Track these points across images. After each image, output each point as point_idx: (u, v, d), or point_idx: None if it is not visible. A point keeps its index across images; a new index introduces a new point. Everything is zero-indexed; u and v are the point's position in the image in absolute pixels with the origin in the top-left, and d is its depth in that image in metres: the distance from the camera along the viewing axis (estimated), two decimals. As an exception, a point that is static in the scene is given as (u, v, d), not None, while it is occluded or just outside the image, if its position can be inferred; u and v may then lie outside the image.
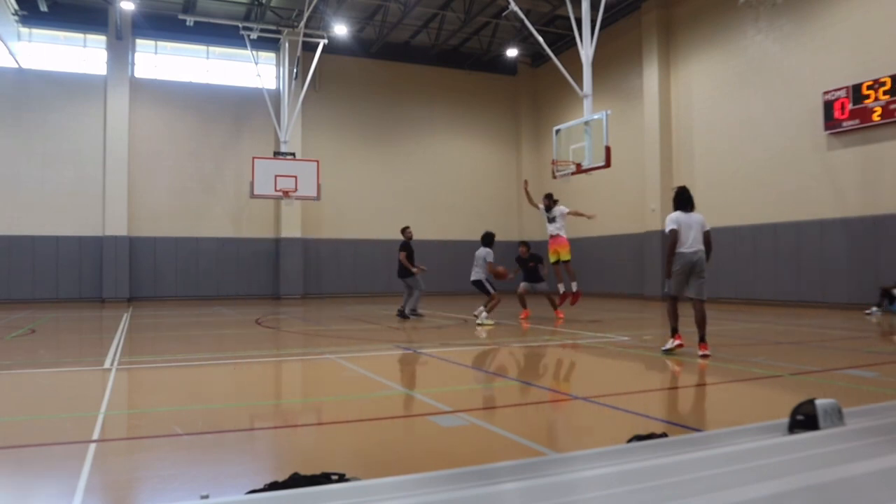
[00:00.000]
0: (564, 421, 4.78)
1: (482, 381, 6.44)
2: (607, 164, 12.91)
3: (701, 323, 7.57)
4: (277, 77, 23.09)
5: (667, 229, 7.70)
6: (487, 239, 13.19)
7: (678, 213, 7.70)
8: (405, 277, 13.82)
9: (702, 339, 7.52)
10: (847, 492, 1.07)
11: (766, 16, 16.27)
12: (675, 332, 7.76)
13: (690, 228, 7.59)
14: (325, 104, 23.36)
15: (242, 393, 6.12)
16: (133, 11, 20.29)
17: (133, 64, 21.52)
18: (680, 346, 7.72)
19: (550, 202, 13.24)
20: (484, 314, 12.20)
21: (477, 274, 13.07)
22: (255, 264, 22.45)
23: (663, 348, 7.79)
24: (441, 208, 24.84)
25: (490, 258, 12.95)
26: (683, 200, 7.85)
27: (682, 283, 7.64)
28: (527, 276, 13.98)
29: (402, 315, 13.53)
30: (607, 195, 21.36)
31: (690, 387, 6.05)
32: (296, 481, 1.39)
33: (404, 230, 14.31)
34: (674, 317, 7.81)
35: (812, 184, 15.42)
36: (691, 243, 7.53)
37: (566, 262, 13.06)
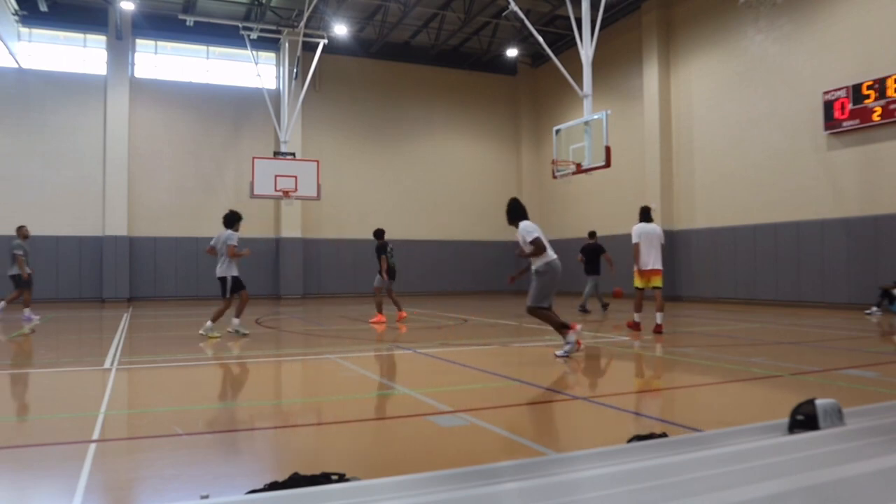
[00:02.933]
0: (564, 421, 4.78)
1: (482, 381, 6.44)
2: (607, 164, 12.92)
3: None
4: (277, 77, 23.09)
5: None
6: (230, 219, 10.54)
7: (530, 222, 7.64)
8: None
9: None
10: (847, 492, 1.07)
11: (766, 16, 16.26)
12: (566, 326, 7.46)
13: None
14: (325, 104, 23.36)
15: (242, 393, 6.12)
16: (133, 11, 20.29)
17: (133, 64, 21.51)
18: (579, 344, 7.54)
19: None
20: (209, 324, 9.90)
21: (222, 268, 10.26)
22: (255, 264, 22.43)
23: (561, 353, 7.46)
24: (441, 208, 24.85)
25: (233, 241, 10.20)
26: (521, 209, 7.77)
27: (551, 292, 7.52)
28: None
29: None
30: (607, 195, 21.36)
31: (690, 387, 6.05)
32: (296, 481, 1.39)
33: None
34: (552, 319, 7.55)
35: (812, 184, 15.42)
36: (551, 250, 7.52)
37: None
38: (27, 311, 13.69)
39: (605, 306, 14.93)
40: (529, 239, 7.36)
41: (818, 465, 1.16)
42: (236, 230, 10.27)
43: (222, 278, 10.11)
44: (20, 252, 13.41)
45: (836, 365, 6.83)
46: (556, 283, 7.45)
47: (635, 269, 10.30)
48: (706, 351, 8.13)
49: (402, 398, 5.52)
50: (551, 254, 7.44)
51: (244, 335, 10.07)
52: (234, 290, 10.21)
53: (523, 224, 7.55)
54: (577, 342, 7.44)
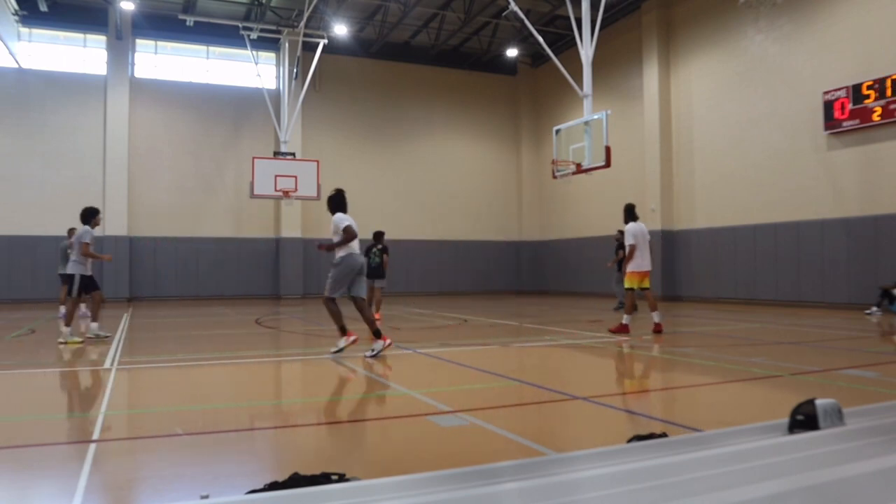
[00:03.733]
0: (564, 421, 4.78)
1: (482, 381, 6.44)
2: (607, 164, 12.92)
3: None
4: (277, 77, 23.09)
5: None
6: (86, 214, 9.71)
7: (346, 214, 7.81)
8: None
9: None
10: (847, 492, 1.07)
11: (766, 16, 16.27)
12: (344, 331, 7.79)
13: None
14: (325, 104, 23.37)
15: (242, 393, 6.13)
16: (133, 11, 20.30)
17: (133, 64, 21.52)
18: (355, 341, 7.85)
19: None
20: (65, 329, 9.19)
21: (71, 266, 9.53)
22: (255, 264, 22.45)
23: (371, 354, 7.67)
24: (441, 208, 24.85)
25: (86, 239, 9.41)
26: (341, 202, 7.92)
27: (344, 284, 7.73)
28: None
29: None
30: (607, 195, 21.37)
31: (690, 387, 6.05)
32: (296, 481, 1.39)
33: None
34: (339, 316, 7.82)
35: (812, 184, 15.42)
36: (357, 246, 7.74)
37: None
38: (63, 310, 13.87)
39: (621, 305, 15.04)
40: (342, 227, 7.61)
41: (818, 465, 1.16)
42: (92, 227, 9.65)
43: (69, 275, 9.51)
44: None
45: (836, 365, 6.83)
46: (351, 276, 7.67)
47: (628, 270, 10.13)
48: (706, 351, 8.13)
49: (402, 398, 5.52)
50: (355, 250, 7.70)
51: (105, 337, 9.54)
52: (86, 290, 9.56)
53: (340, 215, 7.79)
54: (353, 341, 7.79)
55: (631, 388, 6.30)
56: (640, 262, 10.10)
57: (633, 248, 10.10)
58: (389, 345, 7.74)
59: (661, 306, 16.85)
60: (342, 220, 7.66)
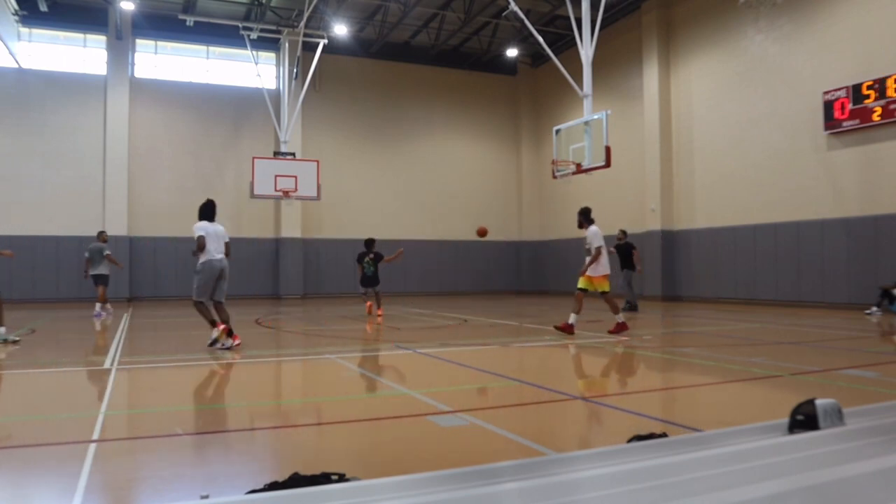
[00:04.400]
0: (564, 421, 4.78)
1: (482, 381, 6.44)
2: (607, 164, 12.91)
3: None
4: (277, 77, 23.09)
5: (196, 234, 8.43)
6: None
7: (205, 223, 8.52)
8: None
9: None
10: (847, 492, 1.07)
11: (766, 16, 16.27)
12: (214, 324, 8.48)
13: (217, 238, 8.51)
14: (325, 104, 23.37)
15: (242, 393, 6.12)
16: (133, 11, 20.29)
17: (133, 64, 21.51)
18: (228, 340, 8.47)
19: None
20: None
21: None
22: (255, 264, 22.45)
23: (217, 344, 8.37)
24: (441, 208, 24.85)
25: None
26: (205, 211, 8.64)
27: (209, 288, 8.51)
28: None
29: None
30: (607, 195, 21.36)
31: (690, 387, 6.05)
32: (296, 481, 1.39)
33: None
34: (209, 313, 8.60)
35: (812, 184, 15.42)
36: (216, 250, 8.44)
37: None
38: (99, 307, 14.72)
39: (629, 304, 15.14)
40: (195, 236, 8.35)
41: (818, 465, 1.16)
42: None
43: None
44: (88, 254, 14.69)
45: (836, 365, 6.83)
46: (212, 280, 8.45)
47: (598, 274, 9.83)
48: (706, 351, 8.13)
49: (402, 398, 5.52)
50: (213, 255, 8.39)
51: (15, 342, 9.26)
52: None
53: (196, 224, 8.53)
54: (235, 338, 8.45)
55: (631, 388, 6.30)
56: (606, 265, 9.91)
57: (599, 250, 9.87)
58: (238, 345, 8.40)
59: (662, 306, 16.90)
60: (195, 229, 8.43)
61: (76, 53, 21.01)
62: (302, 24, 19.89)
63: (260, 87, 21.40)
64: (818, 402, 1.39)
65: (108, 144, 20.66)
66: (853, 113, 14.27)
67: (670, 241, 19.28)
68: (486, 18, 21.87)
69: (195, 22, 20.89)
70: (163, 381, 6.65)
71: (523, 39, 22.90)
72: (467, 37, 23.93)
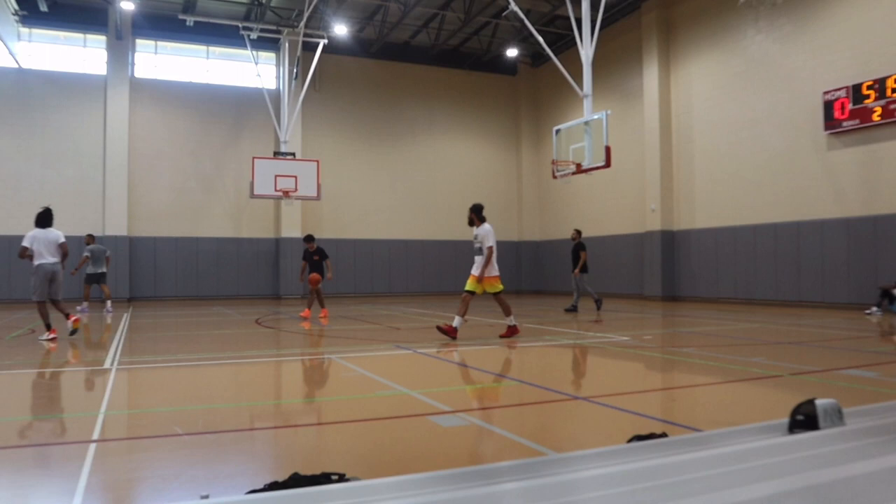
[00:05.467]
0: (564, 421, 4.78)
1: (482, 381, 6.44)
2: (607, 164, 12.92)
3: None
4: (277, 77, 23.09)
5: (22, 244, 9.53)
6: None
7: (35, 231, 9.44)
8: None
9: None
10: (847, 492, 1.07)
11: (766, 16, 16.27)
12: (49, 327, 9.38)
13: (48, 243, 9.44)
14: (325, 104, 23.37)
15: (242, 393, 6.12)
16: (133, 11, 20.30)
17: (133, 64, 21.52)
18: (55, 339, 9.31)
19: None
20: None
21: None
22: (255, 264, 22.45)
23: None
24: (441, 208, 24.85)
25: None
26: (39, 219, 9.57)
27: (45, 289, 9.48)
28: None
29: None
30: (607, 195, 21.36)
31: (690, 387, 6.05)
32: (296, 481, 1.39)
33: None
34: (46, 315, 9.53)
35: (812, 184, 15.42)
36: (49, 254, 9.39)
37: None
38: (109, 304, 16.00)
39: (597, 303, 15.19)
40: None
41: (818, 465, 1.16)
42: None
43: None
44: (87, 254, 15.74)
45: (836, 365, 6.83)
46: (46, 281, 9.41)
47: (492, 275, 9.62)
48: (706, 351, 8.14)
49: (403, 398, 5.52)
50: (46, 259, 9.39)
51: None
52: None
53: (29, 233, 9.50)
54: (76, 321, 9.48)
55: (631, 388, 6.30)
56: (496, 265, 9.67)
57: (491, 249, 9.59)
58: (54, 339, 9.28)
59: (662, 306, 16.90)
60: (24, 238, 9.43)
61: (76, 53, 21.01)
62: (302, 24, 19.89)
63: (260, 87, 21.40)
64: (818, 401, 1.39)
65: (108, 144, 20.66)
66: (853, 113, 14.27)
67: (670, 241, 19.28)
68: (486, 18, 21.88)
69: (195, 22, 20.90)
70: (163, 381, 6.65)
71: (523, 39, 22.91)
72: (467, 37, 23.94)
